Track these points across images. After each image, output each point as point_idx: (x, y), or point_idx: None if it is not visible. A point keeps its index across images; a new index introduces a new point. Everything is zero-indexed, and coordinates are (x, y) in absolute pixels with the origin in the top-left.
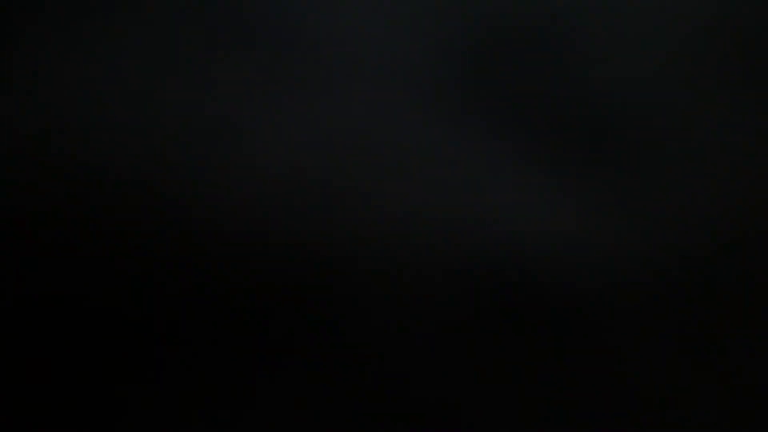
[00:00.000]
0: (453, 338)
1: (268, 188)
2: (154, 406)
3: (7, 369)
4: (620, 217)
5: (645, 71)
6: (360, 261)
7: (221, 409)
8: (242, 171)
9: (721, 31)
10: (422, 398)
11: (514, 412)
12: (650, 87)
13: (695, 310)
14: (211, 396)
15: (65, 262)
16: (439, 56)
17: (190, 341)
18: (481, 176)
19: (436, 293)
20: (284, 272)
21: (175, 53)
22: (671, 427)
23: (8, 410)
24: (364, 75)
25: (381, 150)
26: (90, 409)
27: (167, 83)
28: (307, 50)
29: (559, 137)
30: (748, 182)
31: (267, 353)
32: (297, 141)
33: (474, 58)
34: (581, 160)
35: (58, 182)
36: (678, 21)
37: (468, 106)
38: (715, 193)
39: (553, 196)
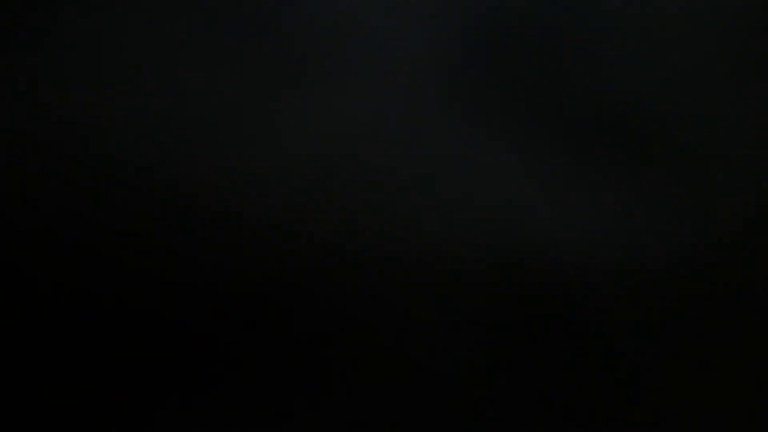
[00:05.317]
0: (468, 334)
1: (285, 182)
2: (167, 406)
3: (14, 370)
4: (638, 214)
5: (666, 68)
6: (374, 254)
7: (230, 408)
8: (255, 167)
9: (742, 28)
10: (438, 393)
11: (526, 408)
12: (670, 84)
13: (714, 307)
14: (221, 395)
15: (76, 262)
16: (459, 51)
17: (203, 338)
18: (497, 171)
19: (451, 288)
20: (303, 267)
21: (198, 45)
22: (678, 427)
23: (15, 412)
24: (383, 69)
25: (398, 144)
26: (95, 409)
27: (185, 79)
28: (323, 46)
29: (579, 134)
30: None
31: (278, 352)
32: (304, 139)
33: (494, 55)
34: (600, 157)
35: (68, 181)
36: (698, 19)
37: (486, 101)
38: (733, 192)
39: (571, 193)
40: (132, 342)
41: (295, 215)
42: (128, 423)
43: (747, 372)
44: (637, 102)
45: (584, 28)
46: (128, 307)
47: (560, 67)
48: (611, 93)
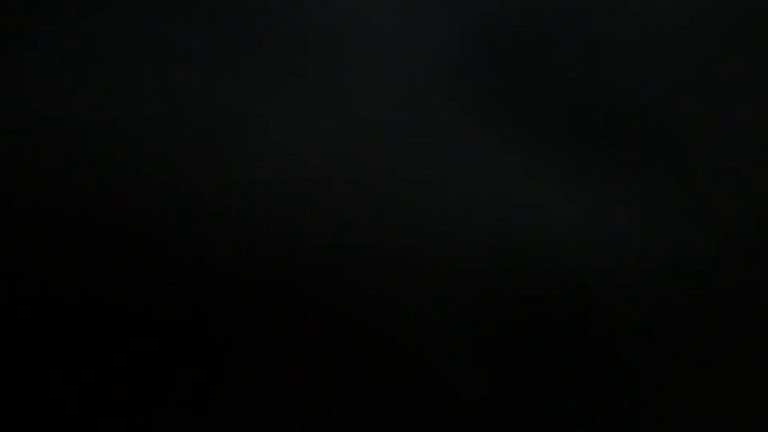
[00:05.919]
0: (468, 334)
1: (285, 182)
2: (167, 406)
3: (14, 370)
4: (638, 214)
5: (666, 68)
6: (374, 254)
7: (230, 408)
8: (255, 167)
9: (742, 28)
10: (438, 393)
11: (526, 408)
12: (670, 84)
13: (714, 307)
14: (221, 395)
15: (76, 262)
16: (459, 51)
17: (203, 338)
18: (498, 171)
19: (451, 288)
20: (303, 267)
21: (197, 45)
22: (679, 427)
23: (15, 412)
24: (383, 69)
25: (398, 144)
26: (95, 409)
27: (185, 79)
28: (323, 46)
29: (579, 133)
30: None
31: (278, 352)
32: (304, 139)
33: (494, 55)
34: (601, 157)
35: (68, 181)
36: (698, 19)
37: (486, 101)
38: (733, 192)
39: (571, 193)
40: (132, 342)
41: (295, 215)
42: (128, 423)
43: (747, 372)
44: (637, 102)
45: (584, 28)
46: (128, 307)
47: (560, 67)
48: (611, 93)
